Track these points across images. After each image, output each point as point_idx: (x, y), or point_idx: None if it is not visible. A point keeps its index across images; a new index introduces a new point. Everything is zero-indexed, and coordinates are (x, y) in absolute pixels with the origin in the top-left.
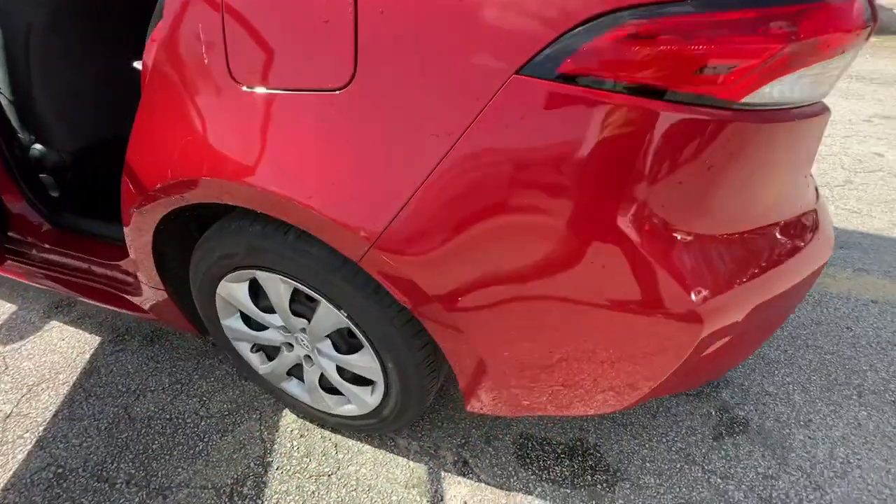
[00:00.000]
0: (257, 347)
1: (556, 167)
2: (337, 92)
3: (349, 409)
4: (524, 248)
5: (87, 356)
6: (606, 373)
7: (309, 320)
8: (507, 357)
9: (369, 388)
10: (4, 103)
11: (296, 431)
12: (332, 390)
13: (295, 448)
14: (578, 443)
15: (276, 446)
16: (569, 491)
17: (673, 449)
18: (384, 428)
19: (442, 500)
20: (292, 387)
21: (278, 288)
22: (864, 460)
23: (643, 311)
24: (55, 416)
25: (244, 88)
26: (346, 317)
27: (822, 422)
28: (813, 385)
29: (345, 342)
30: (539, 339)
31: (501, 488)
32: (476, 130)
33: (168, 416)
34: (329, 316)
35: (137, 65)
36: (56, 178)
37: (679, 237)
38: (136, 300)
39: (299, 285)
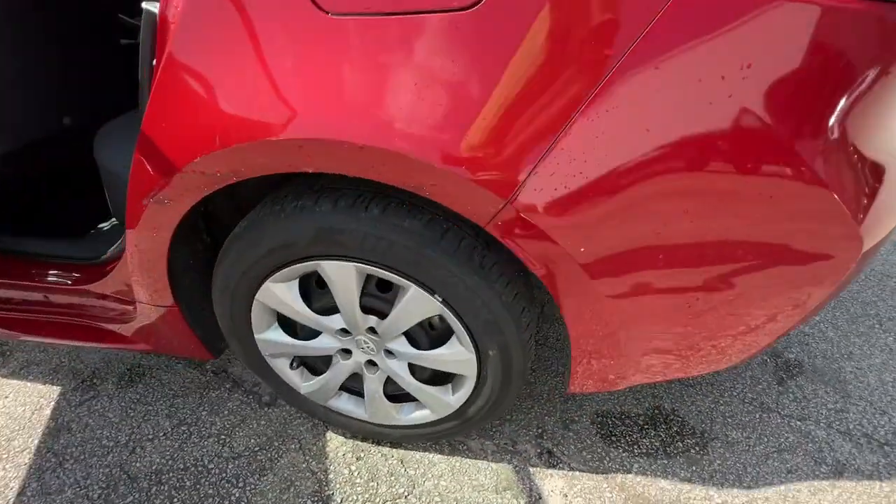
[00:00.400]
0: (298, 362)
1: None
2: (463, 12)
3: (420, 417)
4: (696, 191)
5: (47, 412)
6: (755, 313)
7: (382, 316)
8: (651, 325)
9: (448, 387)
10: None
11: (349, 455)
12: (394, 399)
13: (355, 473)
14: (656, 411)
15: (331, 476)
16: (666, 461)
17: (746, 400)
18: (463, 430)
19: (540, 498)
20: (342, 403)
21: (349, 279)
22: None
23: (808, 239)
24: (21, 493)
25: (332, 16)
26: (441, 302)
27: (861, 352)
28: (839, 320)
29: (426, 336)
30: (693, 295)
31: (597, 472)
32: (642, 49)
33: (182, 466)
34: (417, 304)
35: (146, 4)
36: None
37: (851, 159)
38: (119, 329)
39: (381, 271)
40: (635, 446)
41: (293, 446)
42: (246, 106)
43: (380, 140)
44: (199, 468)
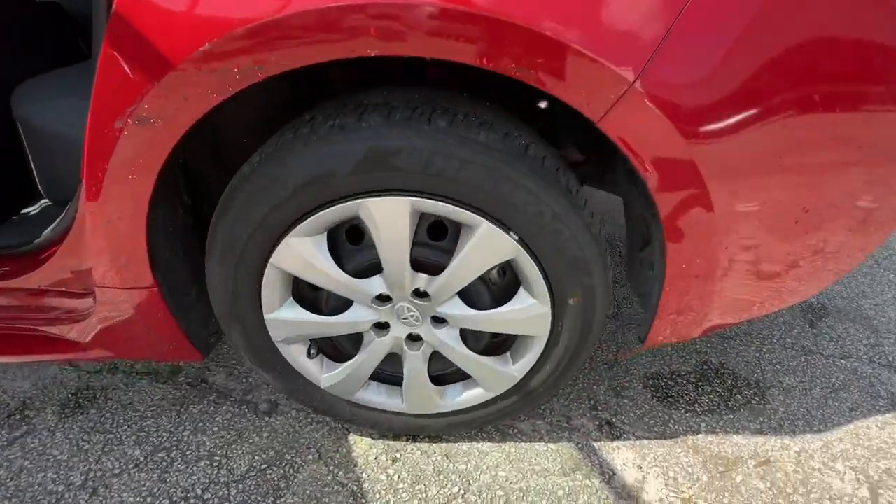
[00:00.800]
0: (317, 349)
1: None
2: None
3: (470, 398)
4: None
5: None
6: (855, 234)
7: (433, 272)
8: (755, 246)
9: (506, 356)
10: None
11: (382, 458)
12: (435, 382)
13: (394, 478)
14: (704, 367)
15: (366, 486)
16: (731, 416)
17: (787, 346)
18: (523, 409)
19: (613, 473)
20: (372, 394)
21: (401, 222)
22: None
23: None
24: None
25: None
26: (518, 240)
27: (872, 290)
28: None
29: (487, 292)
30: (803, 207)
31: (665, 437)
32: None
33: (168, 502)
34: (486, 247)
35: None
36: None
37: None
38: (69, 334)
39: (445, 205)
40: (695, 405)
41: (311, 457)
42: None
43: (499, 8)
44: (192, 500)
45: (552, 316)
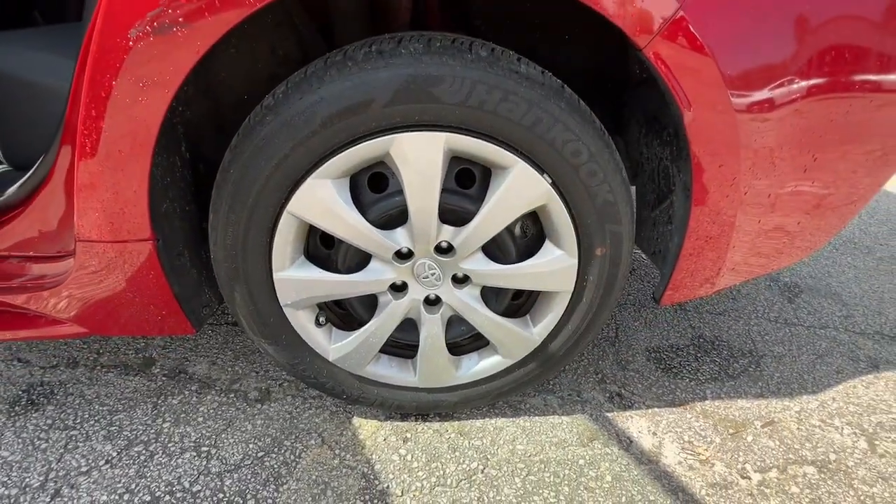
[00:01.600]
0: (325, 318)
1: None
2: None
3: (487, 367)
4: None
5: None
6: (870, 173)
7: (460, 222)
8: (775, 193)
9: (526, 319)
10: None
11: (392, 438)
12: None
13: (408, 458)
14: (700, 339)
15: (377, 467)
16: (732, 383)
17: (771, 319)
18: (541, 377)
19: (630, 441)
20: (382, 368)
21: (434, 160)
22: (880, 288)
23: None
24: None
25: None
26: (551, 184)
27: (835, 270)
28: None
29: (513, 244)
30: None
31: (674, 405)
32: None
33: (149, 497)
34: (519, 191)
35: None
36: None
37: None
38: (37, 306)
39: (481, 142)
40: (698, 374)
41: (313, 442)
42: None
43: None
44: (178, 494)
45: (578, 268)
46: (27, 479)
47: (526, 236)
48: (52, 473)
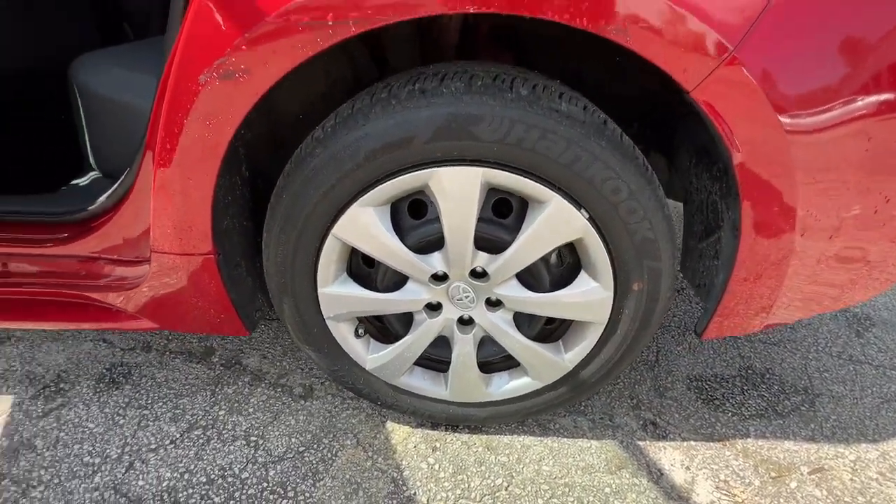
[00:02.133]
0: (364, 330)
1: None
2: None
3: (517, 387)
4: None
5: None
6: None
7: (495, 250)
8: (835, 234)
9: (558, 344)
10: None
11: (422, 446)
12: (482, 369)
13: (435, 467)
14: (749, 371)
15: (406, 473)
16: (780, 422)
17: (833, 354)
18: (571, 400)
19: (661, 474)
20: (416, 379)
21: (470, 193)
22: None
23: None
24: None
25: None
26: (588, 219)
27: None
28: None
29: (547, 274)
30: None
31: (712, 440)
32: None
33: (205, 479)
34: (554, 225)
35: None
36: None
37: None
38: (118, 302)
39: (518, 177)
40: (742, 408)
41: (349, 442)
42: None
43: None
44: (229, 479)
45: (613, 301)
46: (107, 451)
47: (563, 264)
48: (128, 447)
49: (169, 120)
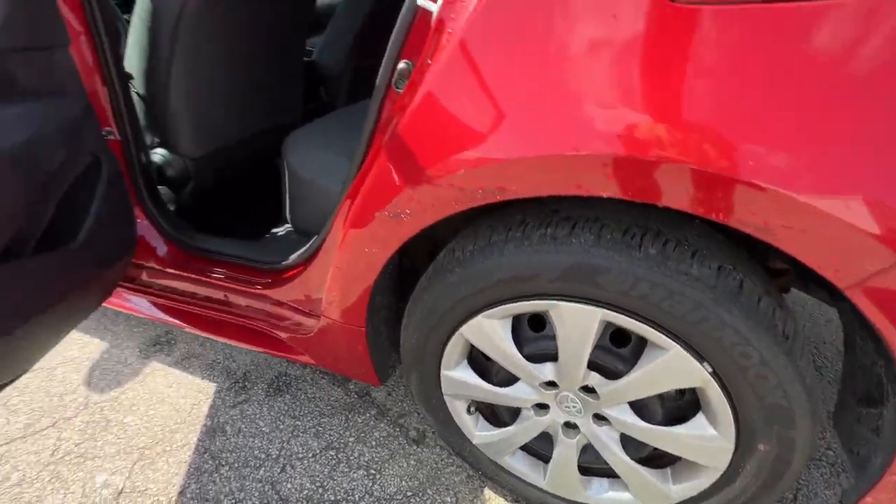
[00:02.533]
0: (475, 407)
1: None
2: None
3: (615, 499)
4: None
5: (205, 409)
6: None
7: (608, 375)
8: None
9: (666, 472)
10: (135, 99)
11: None
12: (583, 471)
13: None
14: None
15: None
16: None
17: None
18: None
19: None
20: (517, 462)
21: (588, 328)
22: None
23: None
24: (182, 493)
25: (684, 3)
26: (711, 373)
27: None
28: None
29: (660, 406)
30: None
31: None
32: None
33: (333, 498)
34: (672, 371)
35: (423, 2)
36: (174, 188)
37: None
38: (289, 339)
39: (639, 324)
40: None
41: (448, 499)
42: (540, 114)
43: (755, 174)
44: (350, 502)
45: (734, 454)
46: (270, 450)
47: (682, 397)
48: (284, 451)
49: (348, 237)
